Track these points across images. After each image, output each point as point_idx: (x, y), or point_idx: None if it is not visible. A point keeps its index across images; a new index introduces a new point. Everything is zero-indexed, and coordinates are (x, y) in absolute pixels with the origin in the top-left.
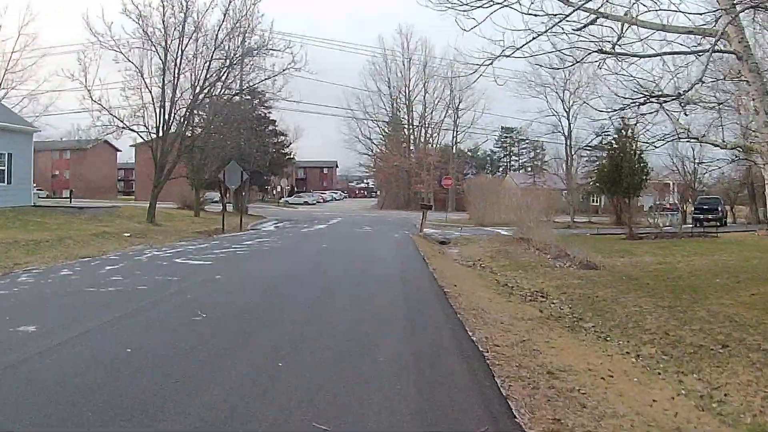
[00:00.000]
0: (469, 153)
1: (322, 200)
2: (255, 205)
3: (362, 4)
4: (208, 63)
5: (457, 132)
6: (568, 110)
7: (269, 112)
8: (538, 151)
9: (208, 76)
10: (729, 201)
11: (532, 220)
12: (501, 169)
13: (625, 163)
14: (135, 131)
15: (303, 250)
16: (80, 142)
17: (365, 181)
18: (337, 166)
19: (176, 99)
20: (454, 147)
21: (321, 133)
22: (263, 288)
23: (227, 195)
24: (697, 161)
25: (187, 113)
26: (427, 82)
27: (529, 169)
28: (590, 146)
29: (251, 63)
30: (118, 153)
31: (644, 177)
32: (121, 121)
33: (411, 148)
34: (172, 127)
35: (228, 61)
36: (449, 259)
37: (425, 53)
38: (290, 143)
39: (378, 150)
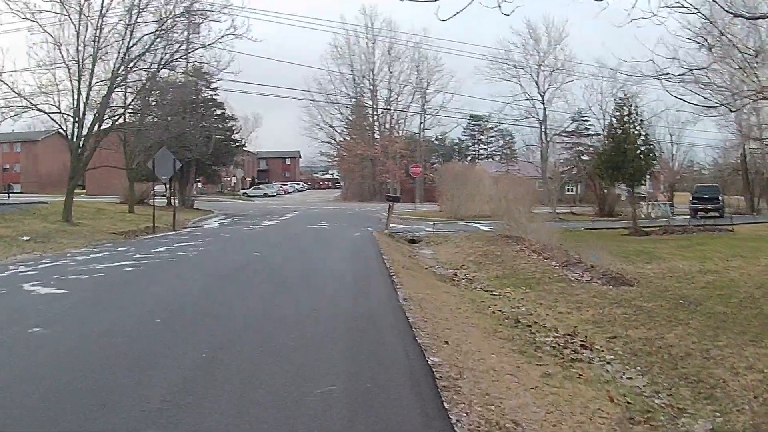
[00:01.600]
0: (436, 141)
1: (283, 192)
2: (210, 198)
3: None
4: (131, 29)
5: (425, 118)
6: (543, 94)
7: (215, 94)
8: (507, 138)
9: (131, 45)
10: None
11: (523, 213)
12: (469, 158)
13: (630, 145)
14: (44, 112)
15: (223, 263)
16: (30, 133)
17: (330, 172)
18: (300, 157)
19: (95, 75)
20: (422, 133)
21: (283, 123)
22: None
23: (173, 187)
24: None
25: (109, 91)
26: (393, 65)
27: (498, 157)
28: (566, 132)
29: (190, 37)
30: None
31: (652, 161)
32: (21, 96)
33: (376, 135)
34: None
35: (157, 27)
36: (423, 268)
37: (390, 35)
38: (240, 129)
39: (341, 138)
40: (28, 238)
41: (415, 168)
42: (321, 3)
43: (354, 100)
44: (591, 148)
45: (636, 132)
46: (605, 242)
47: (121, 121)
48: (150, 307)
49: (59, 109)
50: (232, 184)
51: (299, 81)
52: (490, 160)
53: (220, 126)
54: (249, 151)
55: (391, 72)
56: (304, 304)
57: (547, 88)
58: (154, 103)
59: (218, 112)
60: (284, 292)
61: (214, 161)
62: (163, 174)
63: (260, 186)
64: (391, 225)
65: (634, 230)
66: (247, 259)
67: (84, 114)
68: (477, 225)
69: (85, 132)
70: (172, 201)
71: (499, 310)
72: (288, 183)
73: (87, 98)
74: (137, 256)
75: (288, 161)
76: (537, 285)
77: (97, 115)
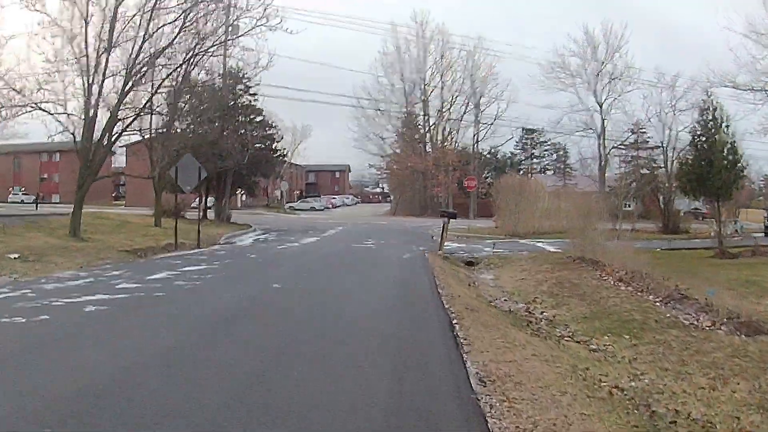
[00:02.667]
0: (488, 155)
1: (331, 206)
2: (254, 211)
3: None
4: (148, 16)
5: (479, 128)
6: (601, 104)
7: (254, 99)
8: (560, 152)
9: (147, 36)
10: None
11: (598, 232)
12: (521, 172)
13: (717, 155)
14: (46, 111)
15: (221, 302)
16: (70, 143)
17: (380, 185)
18: (349, 170)
19: (108, 70)
20: (476, 145)
21: (333, 136)
22: None
23: (205, 199)
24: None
25: (123, 90)
26: (445, 74)
27: (552, 171)
28: (625, 144)
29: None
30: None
31: (741, 174)
32: (18, 92)
33: (427, 147)
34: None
35: (176, 17)
36: (488, 303)
37: (443, 42)
38: (281, 137)
39: (391, 150)
40: (16, 256)
41: (469, 181)
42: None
43: (405, 110)
44: (652, 162)
45: (722, 140)
46: (694, 267)
47: (139, 124)
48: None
49: (65, 109)
50: (278, 198)
51: (348, 91)
52: (543, 174)
53: (259, 134)
54: (297, 164)
55: (443, 81)
56: (307, 404)
57: (605, 98)
58: (185, 107)
59: (258, 118)
60: (282, 371)
61: (252, 172)
62: (187, 184)
63: (307, 199)
64: (445, 244)
65: (720, 252)
66: (256, 296)
67: (95, 115)
68: (540, 244)
69: (98, 135)
70: (207, 214)
71: (616, 386)
72: (336, 196)
73: (99, 96)
74: (122, 285)
75: (337, 174)
76: (643, 332)
77: (111, 116)
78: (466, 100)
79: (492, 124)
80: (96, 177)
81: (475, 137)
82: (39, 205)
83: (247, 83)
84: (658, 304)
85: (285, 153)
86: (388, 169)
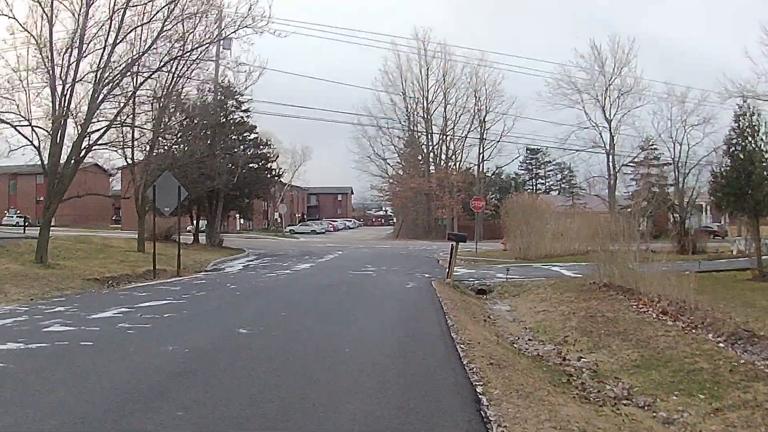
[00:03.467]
0: (492, 176)
1: (332, 229)
2: (251, 235)
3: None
4: (119, 17)
5: (483, 147)
6: (609, 120)
7: (247, 116)
8: (566, 172)
9: (117, 39)
10: None
11: (630, 255)
12: (526, 193)
13: (757, 166)
14: (8, 123)
15: (176, 348)
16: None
17: (383, 208)
18: (352, 193)
19: (77, 79)
20: (481, 164)
21: (335, 159)
22: None
23: (198, 222)
24: None
25: (92, 101)
26: (448, 92)
27: (557, 191)
28: (635, 162)
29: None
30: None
31: None
32: None
33: (431, 168)
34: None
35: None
36: (510, 346)
37: (445, 59)
38: (276, 156)
39: (393, 171)
40: None
41: (476, 201)
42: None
43: (407, 129)
44: (663, 179)
45: (762, 149)
46: (739, 293)
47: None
48: None
49: (29, 121)
50: (277, 221)
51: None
52: (548, 194)
53: (252, 152)
54: (298, 187)
55: (446, 99)
56: None
57: (614, 114)
58: (169, 121)
59: (250, 136)
60: None
61: (245, 193)
62: (166, 205)
63: (308, 222)
64: (446, 267)
65: (760, 274)
66: (209, 348)
67: (63, 129)
68: (556, 268)
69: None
70: (198, 238)
71: None
72: (338, 219)
73: (67, 108)
74: (51, 329)
75: (339, 197)
76: (720, 389)
77: (81, 130)
78: (470, 118)
79: (498, 141)
80: (64, 197)
81: (480, 156)
82: (30, 227)
83: (239, 98)
84: (722, 345)
85: (280, 173)
86: (390, 190)
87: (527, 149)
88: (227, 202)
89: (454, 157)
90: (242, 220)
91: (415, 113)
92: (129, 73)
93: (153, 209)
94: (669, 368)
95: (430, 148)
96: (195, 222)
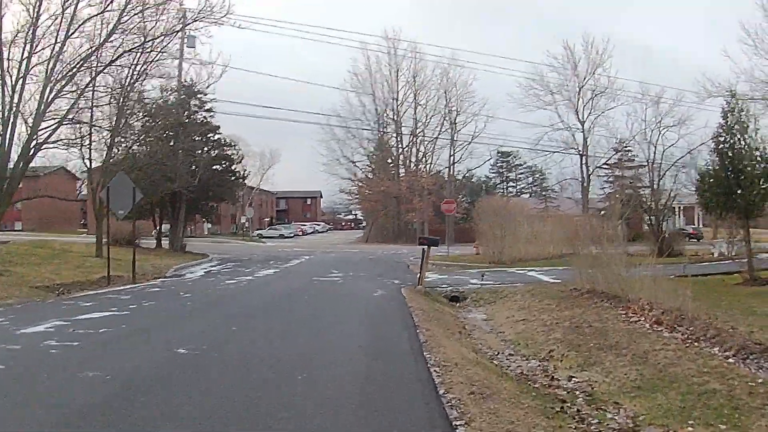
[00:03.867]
0: (463, 179)
1: (301, 233)
2: (217, 239)
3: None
4: (72, 8)
5: (454, 150)
6: (583, 122)
7: (210, 116)
8: (537, 176)
9: (68, 33)
10: None
11: (616, 258)
12: (499, 195)
13: (748, 164)
14: None
15: (100, 374)
16: (32, 169)
17: (353, 212)
18: (321, 197)
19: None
20: (452, 167)
21: (304, 163)
22: None
23: (161, 226)
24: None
25: (42, 99)
26: (419, 93)
27: (528, 195)
28: (608, 164)
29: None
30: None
31: None
32: None
33: (400, 171)
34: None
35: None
36: (488, 362)
37: (415, 60)
38: (241, 158)
39: (362, 174)
40: None
41: (447, 204)
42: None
43: (377, 131)
44: (638, 181)
45: (753, 146)
46: (734, 299)
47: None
48: None
49: None
50: (245, 225)
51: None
52: (520, 197)
53: (215, 154)
54: (266, 190)
55: (417, 100)
56: None
57: (588, 115)
58: (125, 122)
59: (214, 136)
60: None
61: (208, 196)
62: (120, 208)
63: (276, 226)
64: (417, 273)
65: (751, 278)
66: (136, 375)
67: (12, 128)
68: (532, 273)
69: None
70: (161, 243)
71: None
72: (307, 223)
73: (17, 107)
74: None
75: (309, 201)
76: (742, 417)
77: (31, 129)
78: (441, 120)
79: (469, 143)
80: (12, 200)
81: (451, 158)
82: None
83: (202, 97)
84: (731, 360)
85: (245, 175)
86: (359, 194)
87: (498, 152)
88: (190, 206)
89: (424, 159)
90: (209, 225)
91: (385, 115)
92: (83, 68)
93: (107, 212)
94: (676, 390)
95: (400, 150)
96: (158, 226)
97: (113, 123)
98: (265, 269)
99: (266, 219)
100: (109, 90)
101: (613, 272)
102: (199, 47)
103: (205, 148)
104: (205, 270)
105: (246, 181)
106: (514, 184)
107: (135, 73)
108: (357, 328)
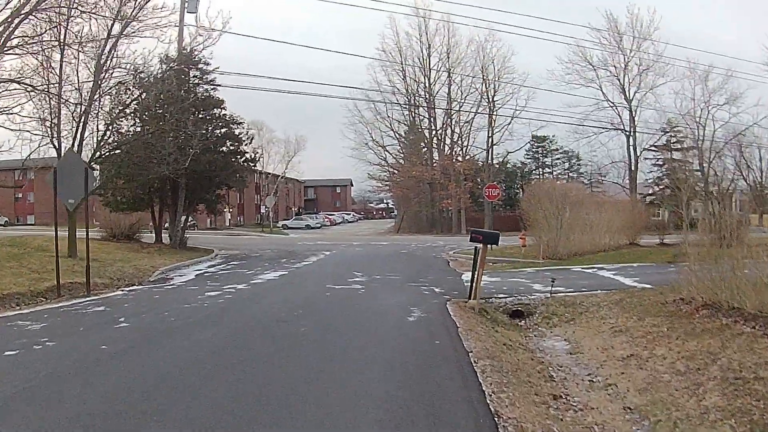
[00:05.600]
0: (500, 164)
1: (329, 223)
2: (235, 231)
3: None
4: None
5: (493, 131)
6: (630, 99)
7: (213, 89)
8: (573, 161)
9: None
10: None
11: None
12: (533, 182)
13: None
14: None
15: None
16: (45, 160)
17: (384, 201)
18: (351, 185)
19: None
20: (490, 149)
21: (334, 151)
22: None
23: (160, 218)
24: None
25: None
26: (453, 71)
27: (565, 181)
28: (656, 146)
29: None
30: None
31: None
32: None
33: (434, 155)
34: None
35: None
36: None
37: (448, 35)
38: (251, 138)
39: (393, 159)
40: None
41: (491, 189)
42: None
43: (407, 114)
44: (687, 164)
45: None
46: None
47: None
48: None
49: None
50: (268, 215)
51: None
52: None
53: (221, 132)
54: (294, 179)
55: (450, 79)
56: None
57: (635, 93)
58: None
59: (219, 113)
60: None
61: (212, 182)
62: (69, 196)
63: (302, 216)
64: (462, 273)
65: None
66: None
67: None
68: (604, 272)
69: None
70: (162, 238)
71: None
72: (336, 213)
73: None
74: None
75: (338, 190)
76: None
77: None
78: (478, 99)
79: (509, 123)
80: None
81: (490, 140)
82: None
83: (204, 67)
84: None
85: (255, 158)
86: (390, 180)
87: (533, 137)
88: (193, 194)
89: (460, 142)
90: (229, 216)
91: (417, 95)
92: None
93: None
94: None
95: (433, 133)
96: (156, 218)
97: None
98: (272, 271)
99: (293, 209)
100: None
101: (742, 276)
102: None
103: (209, 127)
104: (199, 272)
105: (256, 165)
106: (550, 170)
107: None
108: (377, 411)
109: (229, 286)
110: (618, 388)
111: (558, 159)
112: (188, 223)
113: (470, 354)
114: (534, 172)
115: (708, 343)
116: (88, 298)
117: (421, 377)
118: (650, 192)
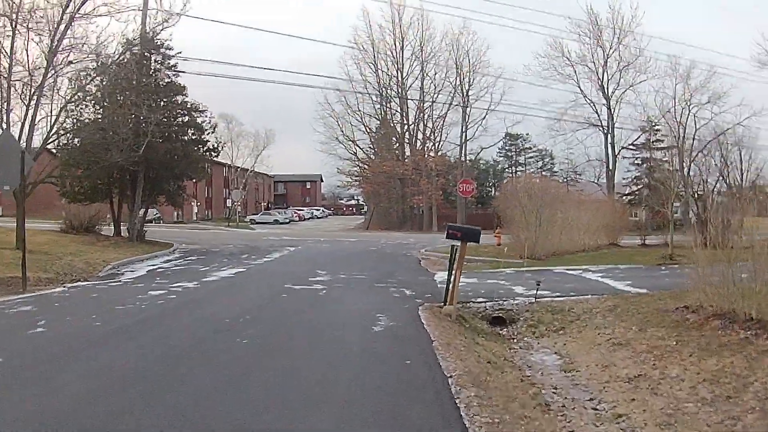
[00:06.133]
0: (470, 161)
1: (298, 218)
2: (200, 225)
3: None
4: None
5: (467, 126)
6: (609, 96)
7: (174, 74)
8: (547, 159)
9: None
10: None
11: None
12: (504, 181)
13: None
14: None
15: None
16: None
17: (355, 197)
18: (321, 180)
19: None
20: (464, 145)
21: (304, 146)
22: None
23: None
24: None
25: None
26: (426, 64)
27: (537, 180)
28: (635, 144)
29: None
30: None
31: None
32: None
33: (405, 150)
34: None
35: None
36: None
37: (422, 28)
38: (214, 126)
39: (364, 154)
40: None
41: (465, 185)
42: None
43: (379, 108)
44: (662, 164)
45: None
46: None
47: None
48: None
49: None
50: (236, 210)
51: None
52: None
53: (182, 120)
54: (263, 174)
55: (424, 72)
56: None
57: (614, 91)
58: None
59: (179, 100)
60: None
61: (172, 172)
62: (3, 183)
63: (270, 211)
64: (435, 273)
65: None
66: None
67: None
68: (590, 274)
69: None
70: (120, 230)
71: None
72: (305, 208)
73: None
74: None
75: (308, 185)
76: None
77: None
78: (451, 93)
79: (484, 117)
80: None
81: (463, 135)
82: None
83: (166, 52)
84: None
85: (218, 147)
86: (360, 175)
87: (506, 134)
88: (153, 185)
89: (432, 137)
90: (196, 210)
91: (389, 89)
92: None
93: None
94: None
95: (405, 127)
96: (115, 210)
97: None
98: (229, 267)
99: (263, 203)
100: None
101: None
102: None
103: (169, 114)
104: (152, 268)
105: (219, 155)
106: (523, 168)
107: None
108: None
109: (177, 285)
110: (632, 420)
111: (531, 157)
112: (154, 216)
113: (450, 379)
114: (507, 170)
115: (730, 361)
116: (21, 296)
117: (387, 422)
118: (627, 192)
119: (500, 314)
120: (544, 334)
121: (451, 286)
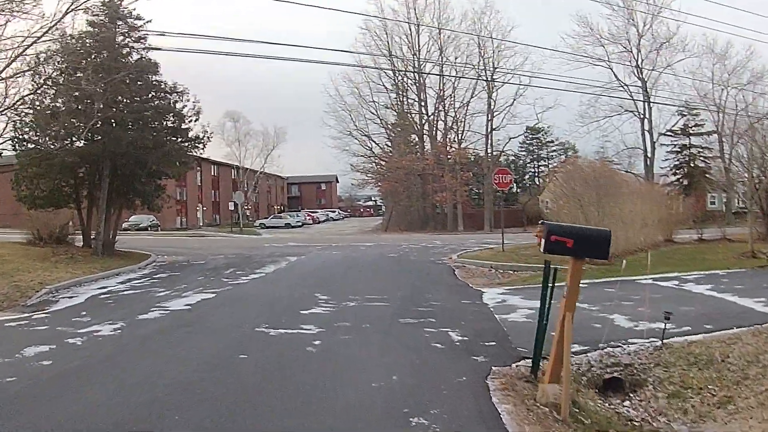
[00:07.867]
0: (497, 153)
1: (311, 221)
2: (206, 231)
3: None
4: None
5: (492, 114)
6: (644, 78)
7: (144, 50)
8: (570, 153)
9: None
10: None
11: None
12: (527, 176)
13: None
14: None
15: None
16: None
17: (373, 198)
18: (337, 181)
19: None
20: (490, 136)
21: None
22: None
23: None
24: None
25: None
26: (445, 49)
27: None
28: (672, 131)
29: None
30: None
31: None
32: None
33: (425, 144)
34: None
35: None
36: None
37: (440, 11)
38: (197, 112)
39: (380, 149)
40: None
41: (501, 174)
42: None
43: (395, 98)
44: (707, 150)
45: None
46: None
47: None
48: None
49: None
50: (246, 213)
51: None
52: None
53: (155, 104)
54: (275, 175)
55: (444, 56)
56: None
57: (650, 72)
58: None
59: (151, 78)
60: None
61: (147, 169)
62: None
63: (281, 215)
64: (481, 291)
65: None
66: None
67: None
68: (690, 285)
69: None
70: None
71: None
72: (320, 210)
73: None
74: None
75: (323, 186)
76: None
77: None
78: (474, 80)
79: (512, 104)
80: None
81: (489, 125)
82: None
83: (132, 22)
84: None
85: (204, 138)
86: (377, 173)
87: (527, 128)
88: (121, 184)
89: (454, 127)
90: (201, 215)
91: (405, 77)
92: None
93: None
94: None
95: (424, 119)
96: (84, 218)
97: None
98: (197, 291)
99: (276, 206)
100: None
101: None
102: None
103: (140, 97)
104: (100, 291)
105: (205, 147)
106: (546, 163)
107: None
108: None
109: (104, 324)
110: None
111: (554, 151)
112: (151, 223)
113: None
114: (529, 164)
115: None
116: None
117: None
118: (668, 181)
119: (615, 373)
120: (703, 415)
121: (554, 341)
